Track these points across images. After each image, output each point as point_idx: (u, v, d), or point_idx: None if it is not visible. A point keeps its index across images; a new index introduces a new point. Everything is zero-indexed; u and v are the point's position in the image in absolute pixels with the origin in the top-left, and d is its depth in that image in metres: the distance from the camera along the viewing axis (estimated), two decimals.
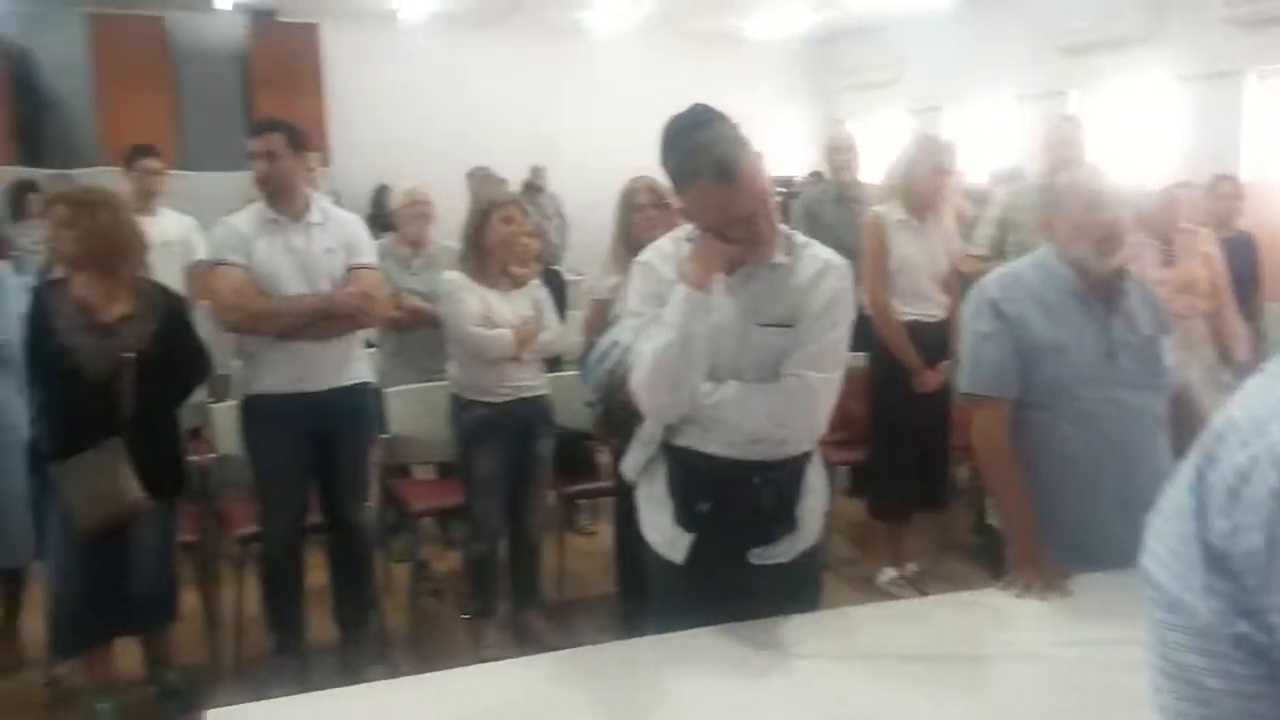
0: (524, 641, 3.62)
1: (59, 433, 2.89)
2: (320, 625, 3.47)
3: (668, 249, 2.02)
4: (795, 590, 2.05)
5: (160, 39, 9.44)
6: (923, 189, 3.87)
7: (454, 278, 3.48)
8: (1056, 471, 2.20)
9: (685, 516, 2.00)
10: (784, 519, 2.01)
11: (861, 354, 4.04)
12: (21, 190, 7.66)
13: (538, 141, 9.85)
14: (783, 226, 2.01)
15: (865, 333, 3.94)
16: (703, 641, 1.91)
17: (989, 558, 4.25)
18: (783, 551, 2.01)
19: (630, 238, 3.48)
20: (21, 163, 8.74)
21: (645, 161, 3.69)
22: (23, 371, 3.07)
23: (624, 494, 3.65)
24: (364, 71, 10.00)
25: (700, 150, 1.83)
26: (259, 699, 3.17)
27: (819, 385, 1.92)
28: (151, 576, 3.02)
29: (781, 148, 10.15)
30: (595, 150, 9.58)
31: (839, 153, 4.91)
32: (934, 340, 3.91)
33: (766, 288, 1.94)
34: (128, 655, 3.23)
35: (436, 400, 3.71)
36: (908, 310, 3.90)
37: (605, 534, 4.37)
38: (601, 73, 10.82)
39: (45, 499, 2.94)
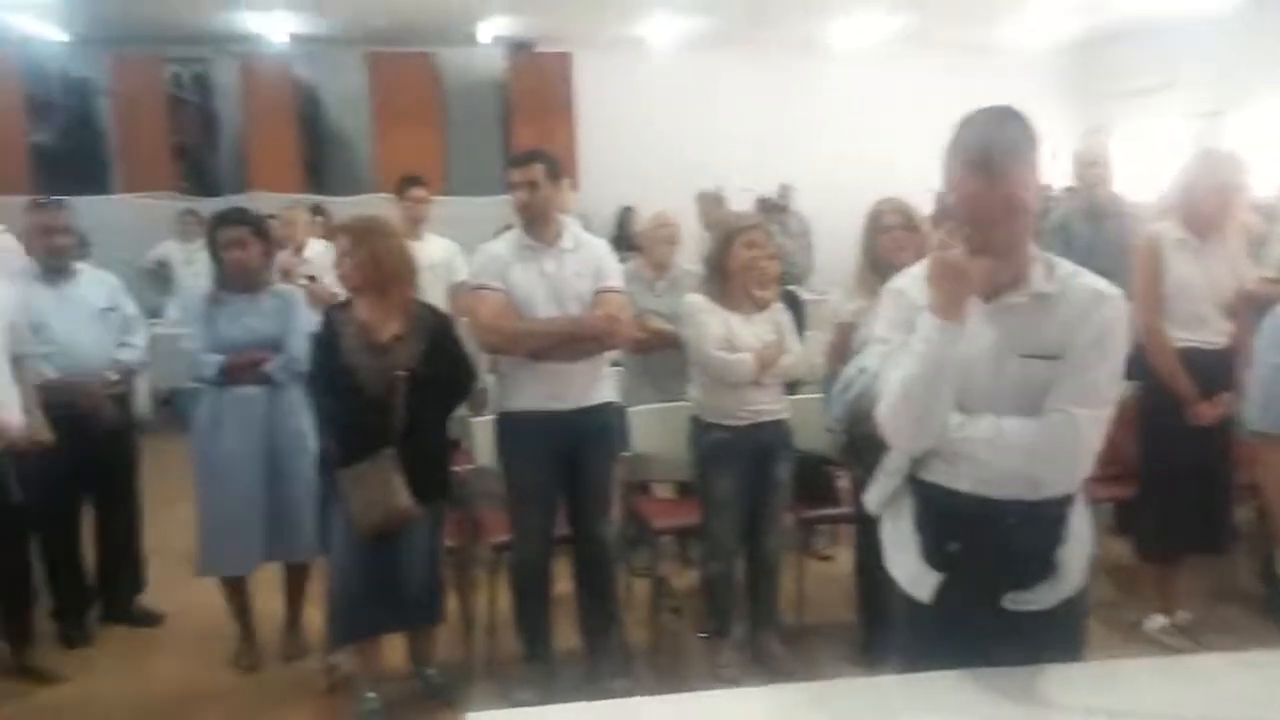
0: (761, 664, 3.61)
1: (341, 443, 3.17)
2: (566, 634, 3.60)
3: (922, 275, 1.94)
4: (1054, 639, 1.91)
5: (430, 74, 10.17)
6: (1206, 207, 3.54)
7: (696, 301, 3.53)
8: None
9: (933, 555, 1.92)
10: (1041, 564, 1.89)
11: (1131, 383, 3.75)
12: (321, 213, 8.49)
13: (784, 160, 9.83)
14: (1047, 254, 1.89)
15: (1136, 360, 3.66)
16: (953, 684, 1.82)
17: (1278, 610, 3.84)
18: (1040, 598, 1.89)
19: (876, 260, 3.41)
20: (308, 191, 9.65)
21: (895, 178, 3.65)
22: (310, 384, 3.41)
23: (864, 521, 3.59)
24: (612, 96, 10.35)
25: (968, 139, 1.76)
26: (509, 701, 3.38)
27: (1086, 423, 1.78)
28: (420, 577, 3.26)
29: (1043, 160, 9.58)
30: (843, 169, 9.46)
31: (1090, 166, 4.58)
32: (1214, 369, 3.57)
33: (1030, 317, 1.83)
34: (394, 651, 3.48)
35: (678, 420, 3.76)
36: (1185, 336, 3.59)
37: (844, 559, 4.29)
38: (851, 88, 10.68)
39: (329, 502, 3.23)
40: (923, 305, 1.85)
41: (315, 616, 3.82)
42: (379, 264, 3.14)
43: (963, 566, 1.89)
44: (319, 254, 5.68)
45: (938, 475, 1.89)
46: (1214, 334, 3.60)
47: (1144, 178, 5.06)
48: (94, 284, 4.02)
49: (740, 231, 3.54)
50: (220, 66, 10.55)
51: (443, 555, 3.41)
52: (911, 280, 1.96)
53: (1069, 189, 6.71)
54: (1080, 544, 1.93)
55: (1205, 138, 5.93)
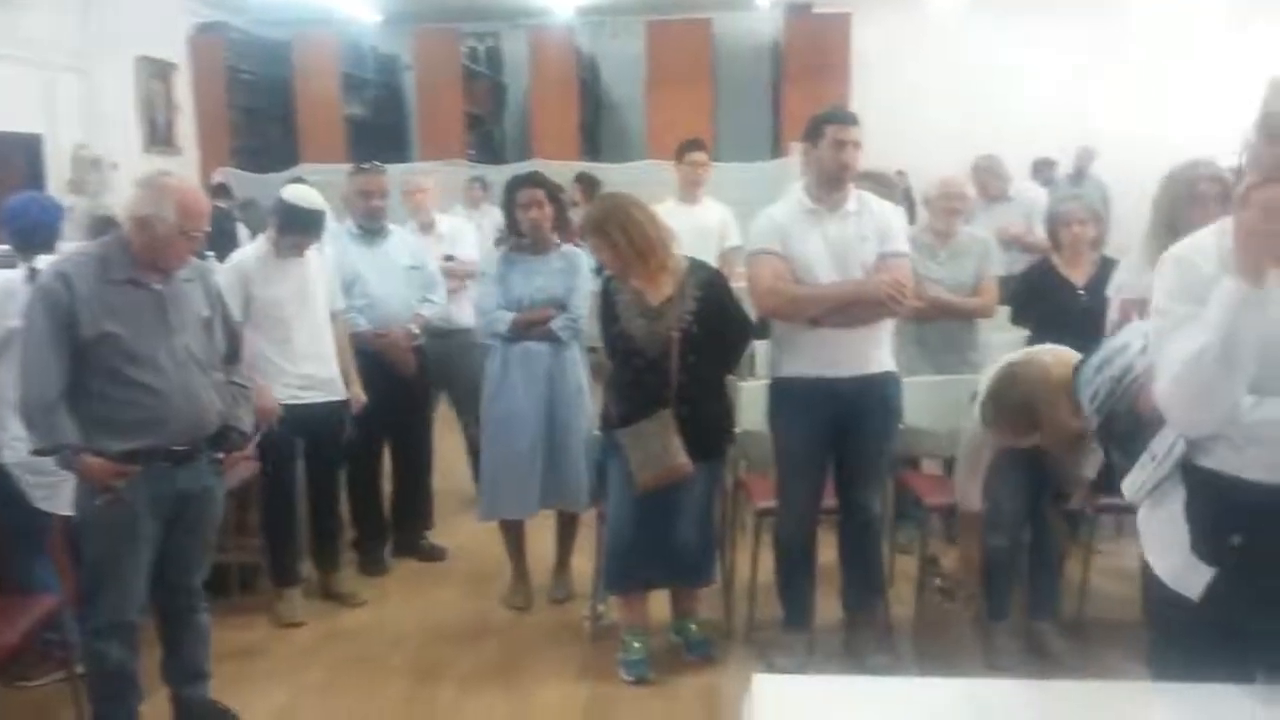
0: (1036, 655, 3.43)
1: (621, 402, 3.30)
2: (827, 605, 3.55)
3: (1208, 242, 1.74)
4: None
5: (706, 40, 10.22)
6: None
7: None
8: None
9: (1207, 548, 1.73)
10: None
11: None
12: (581, 181, 8.83)
13: (1070, 127, 9.13)
14: None
15: None
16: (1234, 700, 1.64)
17: None
18: None
19: (1179, 232, 3.08)
20: (584, 158, 10.02)
21: (1199, 151, 3.28)
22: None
23: None
24: (889, 58, 10.02)
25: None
26: (766, 665, 3.38)
27: None
28: (693, 536, 3.33)
29: None
30: (1141, 140, 8.67)
31: None
32: None
33: None
34: (657, 603, 3.56)
35: (952, 394, 3.62)
36: None
37: (1129, 552, 3.97)
38: (1152, 48, 9.77)
39: (609, 457, 3.36)
40: (1210, 275, 1.66)
41: (581, 564, 4.00)
42: (622, 248, 3.23)
43: (1241, 562, 1.70)
44: (454, 229, 5.18)
45: (1220, 461, 1.70)
46: None
47: None
48: (401, 243, 4.37)
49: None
50: (510, 39, 11.14)
51: (714, 515, 3.46)
52: (1195, 248, 1.76)
53: None
54: None
55: None
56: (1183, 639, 1.82)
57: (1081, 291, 3.90)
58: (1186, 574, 1.77)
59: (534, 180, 3.83)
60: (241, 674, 3.43)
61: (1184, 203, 3.07)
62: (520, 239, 3.82)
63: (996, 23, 9.98)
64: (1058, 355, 3.00)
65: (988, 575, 3.45)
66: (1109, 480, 3.45)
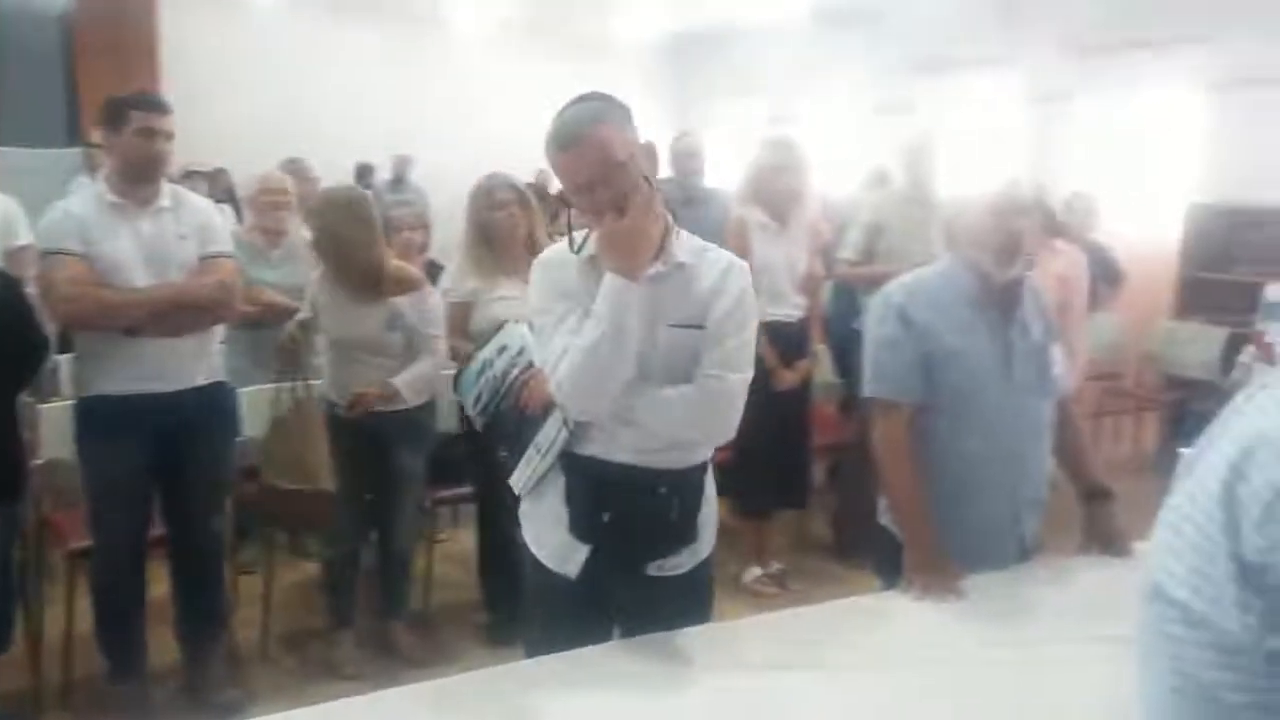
0: (387, 655, 3.45)
1: None
2: (160, 645, 3.19)
3: (567, 248, 1.93)
4: (688, 600, 2.00)
5: None
6: (777, 189, 3.92)
7: None
8: (953, 476, 2.22)
9: (583, 528, 1.92)
10: (685, 529, 1.97)
11: None
12: None
13: (395, 134, 9.51)
14: (682, 231, 1.93)
15: None
16: (605, 657, 1.83)
17: (847, 553, 4.34)
18: (682, 562, 1.97)
19: (490, 238, 3.41)
20: None
21: (506, 163, 3.70)
22: None
23: (487, 499, 3.55)
24: (205, 49, 9.42)
25: (554, 123, 1.80)
26: None
27: (737, 386, 1.87)
28: None
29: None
30: (454, 148, 9.35)
31: (685, 158, 4.85)
32: (792, 340, 4.00)
33: (675, 288, 1.87)
34: None
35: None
36: (767, 310, 3.92)
37: (464, 538, 4.24)
38: (465, 71, 10.63)
39: None
40: (579, 275, 1.85)
41: None
42: None
43: (612, 536, 1.91)
44: None
45: (596, 448, 1.90)
46: (791, 308, 4.03)
47: (731, 170, 5.54)
48: None
49: None
50: None
51: (13, 569, 2.88)
52: (561, 252, 1.93)
53: (668, 179, 7.18)
54: (712, 508, 2.04)
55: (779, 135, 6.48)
56: (562, 617, 1.96)
57: None
58: (565, 555, 1.93)
59: None
60: None
61: (488, 210, 3.40)
62: None
63: (318, 24, 10.00)
64: None
65: (329, 586, 3.41)
66: (453, 471, 3.66)
